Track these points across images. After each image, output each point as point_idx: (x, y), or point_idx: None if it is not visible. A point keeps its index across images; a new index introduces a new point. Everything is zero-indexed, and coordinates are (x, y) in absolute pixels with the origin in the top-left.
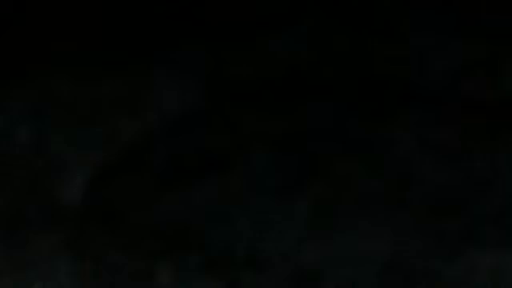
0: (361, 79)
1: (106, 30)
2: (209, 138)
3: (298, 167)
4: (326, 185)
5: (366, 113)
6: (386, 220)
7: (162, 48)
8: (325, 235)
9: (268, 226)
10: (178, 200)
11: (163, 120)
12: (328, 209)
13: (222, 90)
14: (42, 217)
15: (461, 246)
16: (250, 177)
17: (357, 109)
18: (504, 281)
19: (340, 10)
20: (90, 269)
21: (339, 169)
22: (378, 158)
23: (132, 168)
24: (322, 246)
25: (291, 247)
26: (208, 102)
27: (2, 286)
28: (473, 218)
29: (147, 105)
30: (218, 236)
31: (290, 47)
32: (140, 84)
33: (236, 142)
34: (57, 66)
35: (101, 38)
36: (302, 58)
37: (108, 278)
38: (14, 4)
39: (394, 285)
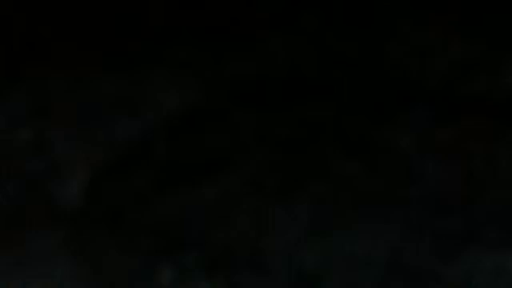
0: (361, 79)
1: (106, 30)
2: (209, 137)
3: (297, 167)
4: (326, 185)
5: (366, 113)
6: (386, 220)
7: (162, 48)
8: (325, 235)
9: (268, 226)
10: (178, 200)
11: (163, 120)
12: (328, 209)
13: (222, 90)
14: (42, 217)
15: (461, 245)
16: (250, 177)
17: (357, 109)
18: (504, 281)
19: (340, 9)
20: (89, 269)
21: (339, 169)
22: (378, 157)
23: (132, 168)
24: (322, 245)
25: (291, 247)
26: (208, 101)
27: (2, 285)
28: (473, 218)
29: (147, 105)
30: (218, 236)
31: (290, 47)
32: (140, 84)
33: (236, 141)
34: (57, 66)
35: (101, 39)
36: (302, 58)
37: (108, 278)
38: (14, 4)
39: (394, 285)
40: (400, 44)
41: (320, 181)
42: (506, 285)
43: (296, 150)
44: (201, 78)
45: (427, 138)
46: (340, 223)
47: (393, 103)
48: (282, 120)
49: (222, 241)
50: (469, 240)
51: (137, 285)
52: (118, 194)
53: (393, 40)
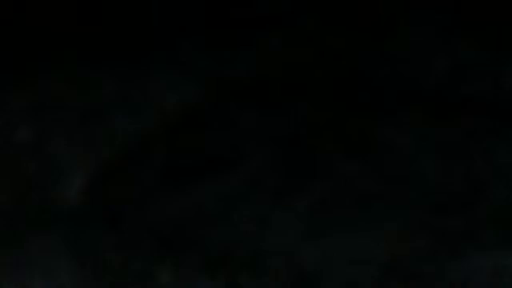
0: (361, 79)
1: (105, 29)
2: (209, 137)
3: (297, 167)
4: (326, 185)
5: (366, 112)
6: (386, 220)
7: (162, 48)
8: (325, 235)
9: (268, 226)
10: (178, 200)
11: (163, 120)
12: (328, 209)
13: (222, 90)
14: (41, 217)
15: (461, 246)
16: (250, 177)
17: (357, 108)
18: (504, 281)
19: (339, 9)
20: (89, 269)
21: (339, 169)
22: (378, 157)
23: (132, 168)
24: (321, 246)
25: (291, 247)
26: (208, 101)
27: (2, 286)
28: (473, 218)
29: (147, 105)
30: (218, 236)
31: (290, 47)
32: (140, 84)
33: (236, 141)
34: (56, 66)
35: (101, 38)
36: (302, 57)
37: (108, 278)
38: (14, 4)
39: (393, 285)
40: (400, 43)
41: (320, 181)
42: (506, 285)
43: (296, 150)
44: (201, 77)
45: (427, 138)
46: (340, 223)
47: (393, 103)
48: (282, 120)
49: (221, 241)
50: (469, 240)
51: (137, 285)
52: (118, 194)
53: (393, 39)
